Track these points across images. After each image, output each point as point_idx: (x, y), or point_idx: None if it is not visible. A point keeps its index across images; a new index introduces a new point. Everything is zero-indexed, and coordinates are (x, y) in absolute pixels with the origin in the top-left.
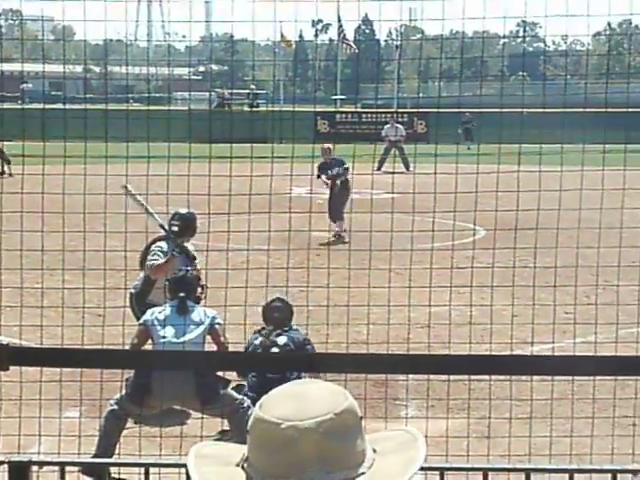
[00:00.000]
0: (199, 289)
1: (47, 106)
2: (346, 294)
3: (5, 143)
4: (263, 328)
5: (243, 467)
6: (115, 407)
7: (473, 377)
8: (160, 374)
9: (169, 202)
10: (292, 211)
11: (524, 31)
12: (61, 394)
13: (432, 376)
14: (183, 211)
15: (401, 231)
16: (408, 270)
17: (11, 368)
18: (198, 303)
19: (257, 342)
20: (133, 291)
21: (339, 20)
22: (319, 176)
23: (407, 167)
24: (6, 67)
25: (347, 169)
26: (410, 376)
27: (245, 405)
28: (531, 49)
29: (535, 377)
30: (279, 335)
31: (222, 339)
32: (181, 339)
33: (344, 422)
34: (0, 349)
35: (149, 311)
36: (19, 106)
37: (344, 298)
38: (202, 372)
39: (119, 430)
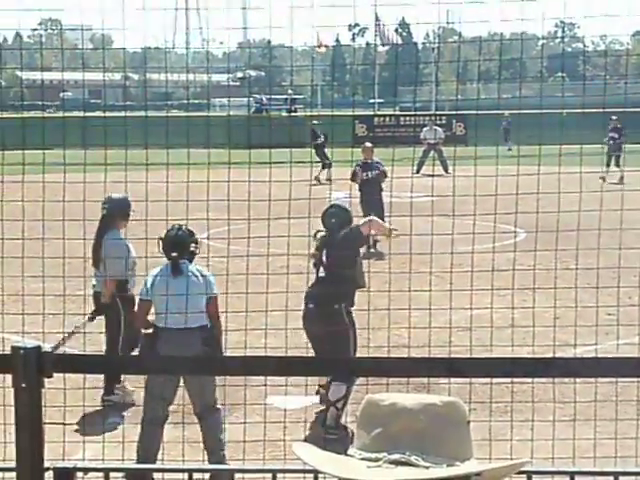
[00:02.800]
0: (192, 245)
1: (86, 114)
2: (387, 298)
3: (46, 151)
4: (324, 237)
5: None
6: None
7: (515, 380)
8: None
9: (209, 208)
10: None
11: (562, 32)
12: (104, 400)
13: (474, 379)
14: (115, 195)
15: (441, 234)
16: (449, 273)
17: (55, 375)
18: (192, 259)
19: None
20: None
21: (377, 20)
22: (354, 174)
23: (446, 170)
24: (46, 76)
25: (383, 173)
26: (451, 380)
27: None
28: (570, 49)
29: (578, 379)
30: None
31: (218, 313)
32: (181, 308)
33: (448, 413)
34: (43, 356)
35: (145, 280)
36: (60, 114)
37: (385, 302)
38: (207, 342)
39: (157, 433)
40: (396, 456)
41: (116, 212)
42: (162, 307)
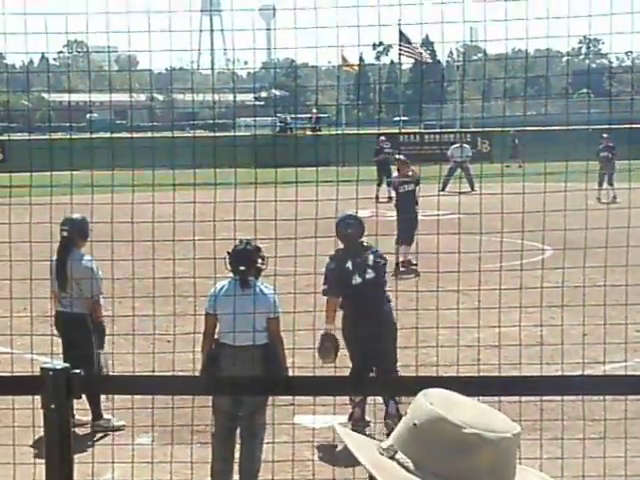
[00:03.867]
0: (259, 260)
1: (113, 135)
2: (414, 316)
3: (74, 173)
4: (338, 250)
5: (393, 457)
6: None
7: (544, 397)
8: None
9: (236, 228)
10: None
11: (587, 48)
12: (133, 421)
13: (502, 397)
14: (74, 216)
15: (468, 252)
16: (476, 291)
17: (83, 396)
18: (259, 275)
19: (349, 265)
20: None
21: (401, 38)
22: (389, 183)
23: (472, 187)
24: (73, 98)
25: (417, 181)
26: (480, 398)
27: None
28: (594, 66)
29: (607, 397)
30: (366, 253)
31: (280, 333)
32: (245, 326)
33: (515, 445)
34: (72, 377)
35: (211, 294)
36: (87, 135)
37: (412, 320)
38: (270, 359)
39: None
40: None
41: (76, 233)
42: (228, 323)
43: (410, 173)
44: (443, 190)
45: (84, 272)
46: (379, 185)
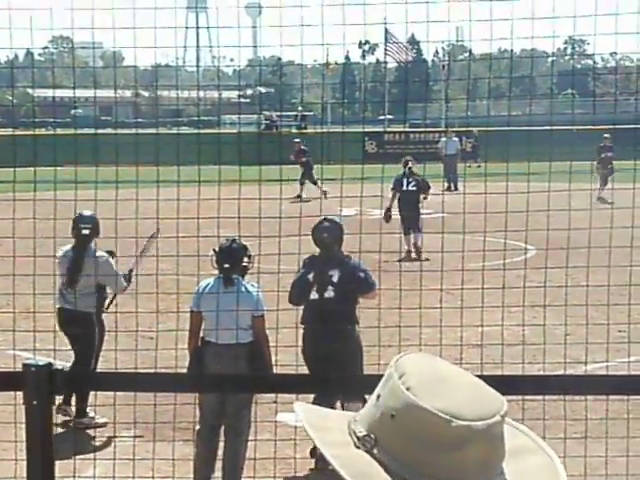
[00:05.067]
0: (246, 259)
1: (97, 131)
2: (397, 314)
3: (57, 168)
4: (312, 256)
5: (371, 452)
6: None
7: (526, 397)
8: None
9: (220, 225)
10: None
11: (572, 48)
12: (115, 417)
13: None
14: (86, 213)
15: (452, 251)
16: (459, 290)
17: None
18: (244, 274)
19: (310, 277)
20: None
21: (387, 37)
22: (394, 188)
23: (456, 186)
24: (57, 93)
25: (426, 185)
26: None
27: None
28: (579, 66)
29: (589, 397)
30: (331, 268)
31: (265, 331)
32: (230, 324)
33: (503, 425)
34: (54, 374)
35: (195, 292)
36: (71, 131)
37: (395, 318)
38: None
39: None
40: None
41: (94, 230)
42: (212, 321)
43: (415, 174)
44: (456, 189)
45: (107, 269)
46: (302, 184)
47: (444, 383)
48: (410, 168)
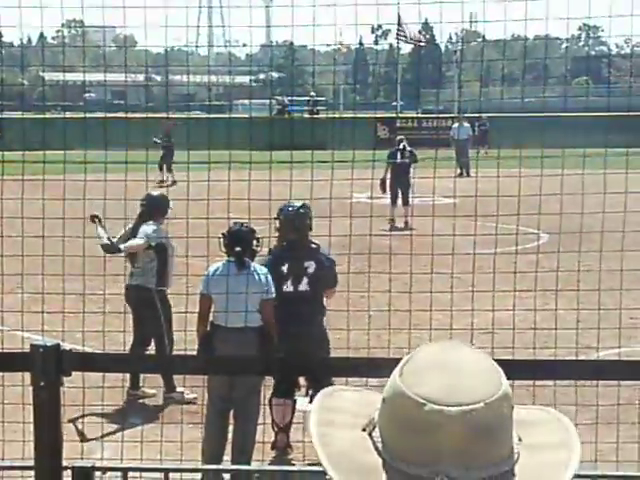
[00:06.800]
0: (254, 242)
1: (109, 115)
2: (407, 299)
3: (67, 152)
4: (278, 246)
5: (370, 435)
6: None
7: (537, 383)
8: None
9: (230, 209)
10: (353, 216)
11: (587, 35)
12: (123, 400)
13: None
14: (154, 192)
15: (463, 234)
16: (470, 275)
17: (74, 374)
18: (254, 257)
19: (284, 269)
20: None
21: (399, 21)
22: (388, 163)
23: (468, 172)
24: (69, 77)
25: (414, 156)
26: None
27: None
28: (593, 52)
29: (600, 382)
30: (306, 259)
31: (273, 314)
32: (240, 307)
33: (495, 413)
34: (63, 355)
35: (205, 275)
36: (82, 115)
37: (406, 304)
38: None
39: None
40: None
41: (153, 208)
42: (222, 305)
43: (408, 147)
44: (468, 174)
45: (148, 228)
46: (161, 170)
47: (435, 370)
48: (404, 145)
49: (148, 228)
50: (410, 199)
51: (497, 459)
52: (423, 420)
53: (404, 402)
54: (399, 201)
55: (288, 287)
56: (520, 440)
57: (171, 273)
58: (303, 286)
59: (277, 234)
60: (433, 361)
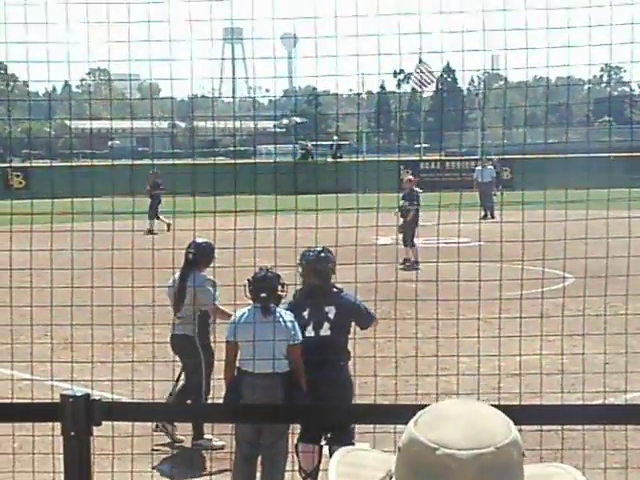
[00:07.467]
0: (280, 287)
1: (134, 162)
2: (434, 344)
3: (95, 199)
4: (305, 290)
5: None
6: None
7: (566, 427)
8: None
9: (256, 254)
10: (379, 262)
11: (609, 75)
12: (152, 447)
13: (524, 426)
14: (199, 240)
15: (489, 280)
16: (497, 319)
17: (103, 423)
18: (279, 302)
19: (305, 314)
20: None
21: (419, 64)
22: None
23: (492, 214)
24: (95, 125)
25: (416, 204)
26: None
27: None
28: (615, 93)
29: (629, 426)
30: (327, 304)
31: (300, 359)
32: (267, 354)
33: (506, 457)
34: (92, 404)
35: (231, 322)
36: (108, 162)
37: (432, 348)
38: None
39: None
40: None
41: (200, 257)
42: (249, 351)
43: (416, 189)
44: (492, 217)
45: (203, 284)
46: (151, 219)
47: (448, 418)
48: (410, 187)
49: (209, 289)
50: (414, 241)
51: None
52: (436, 464)
53: (418, 447)
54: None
55: (310, 332)
56: None
57: (213, 322)
58: (324, 331)
59: (301, 280)
60: (446, 412)
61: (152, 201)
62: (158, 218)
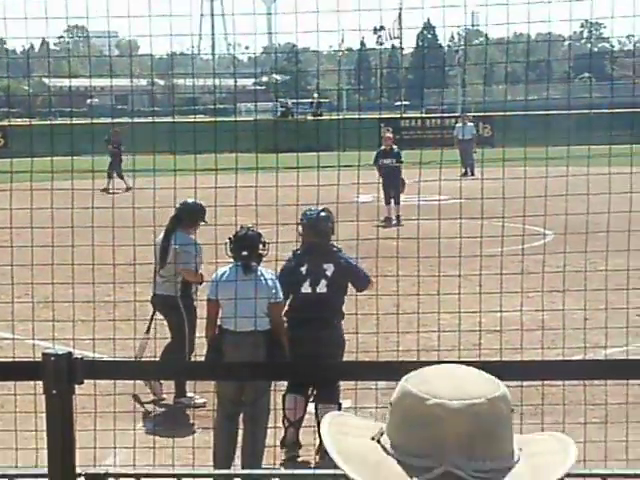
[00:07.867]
0: (261, 246)
1: (113, 120)
2: (415, 300)
3: (74, 158)
4: (304, 247)
5: (379, 441)
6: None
7: (546, 382)
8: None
9: (237, 213)
10: (359, 220)
11: (589, 32)
12: (135, 406)
13: (504, 382)
14: (190, 200)
15: (470, 237)
16: (477, 275)
17: (85, 381)
18: (260, 261)
19: (303, 270)
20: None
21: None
22: (375, 162)
23: (472, 172)
24: (73, 83)
25: (400, 163)
26: None
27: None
28: (596, 49)
29: (609, 381)
30: (325, 261)
31: (282, 318)
32: (248, 312)
33: (496, 409)
34: (74, 363)
35: (212, 280)
36: (88, 121)
37: (413, 305)
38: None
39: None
40: (441, 470)
41: (184, 215)
42: (230, 309)
43: (395, 147)
44: (473, 174)
45: (183, 246)
46: (110, 177)
47: (439, 374)
48: (390, 145)
49: (190, 251)
50: (400, 199)
51: (498, 454)
52: (427, 414)
53: (410, 399)
54: (392, 201)
55: (306, 288)
56: (521, 450)
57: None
58: (321, 288)
59: (300, 238)
60: (437, 371)
61: (113, 159)
62: (121, 177)
